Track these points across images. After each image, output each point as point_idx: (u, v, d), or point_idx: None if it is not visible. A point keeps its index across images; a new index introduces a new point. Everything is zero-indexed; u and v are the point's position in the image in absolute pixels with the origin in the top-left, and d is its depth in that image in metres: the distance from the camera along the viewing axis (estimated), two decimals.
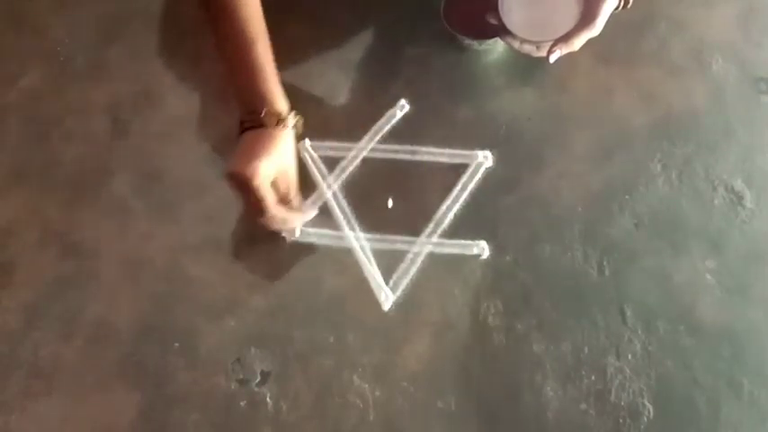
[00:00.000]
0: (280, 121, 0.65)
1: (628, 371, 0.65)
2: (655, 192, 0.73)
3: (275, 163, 0.64)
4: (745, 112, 0.77)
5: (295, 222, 0.71)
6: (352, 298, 0.70)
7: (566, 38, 0.69)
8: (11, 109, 0.85)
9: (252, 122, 0.65)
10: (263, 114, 0.64)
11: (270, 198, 0.64)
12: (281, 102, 0.66)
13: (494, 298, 0.69)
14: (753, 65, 0.80)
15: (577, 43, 0.70)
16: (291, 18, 0.87)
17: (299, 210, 0.70)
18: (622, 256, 0.70)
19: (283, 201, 0.67)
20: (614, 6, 0.70)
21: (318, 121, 0.80)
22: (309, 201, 0.74)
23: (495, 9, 0.72)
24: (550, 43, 0.70)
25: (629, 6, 0.72)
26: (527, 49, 0.73)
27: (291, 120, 0.66)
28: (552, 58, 0.70)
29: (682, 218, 0.72)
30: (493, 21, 0.73)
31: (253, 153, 0.63)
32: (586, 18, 0.69)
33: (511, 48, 0.75)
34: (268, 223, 0.67)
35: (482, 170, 0.76)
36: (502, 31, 0.73)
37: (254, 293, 0.71)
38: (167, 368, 0.68)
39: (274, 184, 0.65)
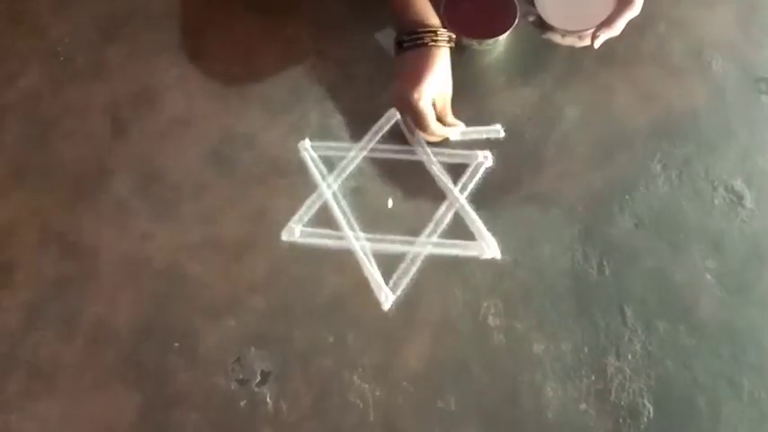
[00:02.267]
0: (435, 37, 0.70)
1: (628, 371, 0.65)
2: (655, 192, 0.73)
3: (435, 84, 0.70)
4: (745, 112, 0.77)
5: (451, 134, 0.76)
6: (352, 298, 0.70)
7: (608, 21, 0.70)
8: (11, 109, 0.84)
9: (410, 41, 0.70)
10: (419, 32, 0.70)
11: (431, 116, 0.71)
12: (434, 18, 0.73)
13: (494, 298, 0.69)
14: (753, 65, 0.80)
15: (620, 25, 0.70)
16: (291, 18, 0.87)
17: (453, 123, 0.76)
18: (622, 256, 0.70)
19: (440, 115, 0.74)
20: None
21: (318, 121, 0.80)
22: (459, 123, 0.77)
23: (531, 4, 0.73)
24: (591, 31, 0.71)
25: None
26: (569, 41, 0.74)
27: (445, 35, 0.71)
28: (597, 44, 0.71)
29: (682, 218, 0.72)
30: (531, 18, 0.74)
31: (416, 76, 0.69)
32: (625, 0, 0.69)
33: (551, 42, 0.75)
34: (427, 137, 0.75)
35: (482, 170, 0.76)
36: (542, 26, 0.74)
37: (254, 293, 0.71)
38: (167, 368, 0.68)
39: (433, 102, 0.72)
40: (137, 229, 0.76)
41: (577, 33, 0.72)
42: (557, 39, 0.74)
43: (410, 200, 0.75)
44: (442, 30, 0.71)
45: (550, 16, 0.73)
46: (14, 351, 0.70)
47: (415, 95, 0.69)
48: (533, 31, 0.76)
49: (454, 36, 0.73)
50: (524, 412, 0.64)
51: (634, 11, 0.69)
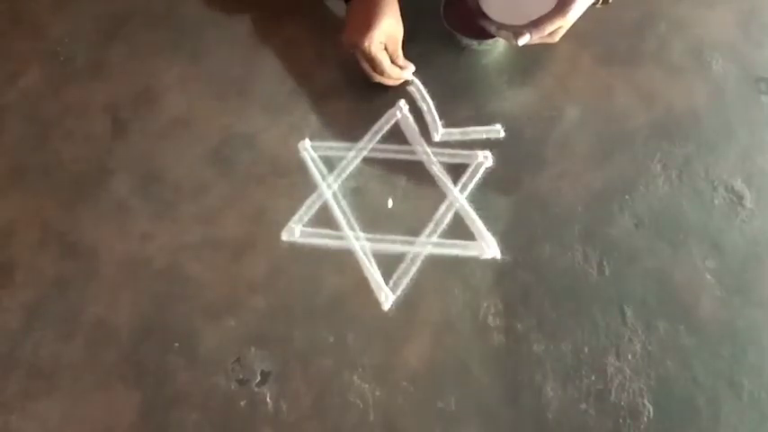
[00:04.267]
0: None
1: (628, 371, 0.65)
2: (655, 192, 0.73)
3: (384, 28, 0.74)
4: (745, 112, 0.77)
5: (405, 75, 0.80)
6: (352, 298, 0.70)
7: (536, 23, 0.70)
8: (11, 109, 0.85)
9: None
10: None
11: (385, 59, 0.76)
12: None
13: (494, 298, 0.69)
14: (753, 65, 0.80)
15: (548, 29, 0.70)
16: (291, 18, 0.87)
17: (404, 65, 0.79)
18: (622, 256, 0.70)
19: (392, 57, 0.77)
20: (591, 1, 0.70)
21: (318, 121, 0.80)
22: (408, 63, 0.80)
23: None
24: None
25: (609, 2, 0.73)
26: (504, 35, 0.74)
27: None
28: (520, 42, 0.71)
29: (682, 218, 0.72)
30: (470, 4, 0.75)
31: (365, 22, 0.73)
32: (560, 6, 0.70)
33: (489, 31, 0.76)
34: (383, 80, 0.78)
35: (482, 170, 0.76)
36: (478, 14, 0.75)
37: (254, 293, 0.71)
38: (167, 368, 0.68)
39: (385, 46, 0.76)
40: (137, 229, 0.76)
41: (511, 29, 0.72)
42: (492, 29, 0.75)
43: (410, 200, 0.75)
44: None
45: (489, 5, 0.74)
46: (14, 351, 0.70)
47: (366, 41, 0.73)
48: None
49: None
50: (524, 412, 0.64)
51: (565, 20, 0.70)
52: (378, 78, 0.78)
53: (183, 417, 0.66)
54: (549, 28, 0.70)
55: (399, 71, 0.78)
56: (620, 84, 0.80)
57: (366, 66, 0.77)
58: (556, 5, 0.70)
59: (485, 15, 0.75)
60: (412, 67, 0.80)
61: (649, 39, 0.82)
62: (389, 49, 0.77)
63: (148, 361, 0.69)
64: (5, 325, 0.72)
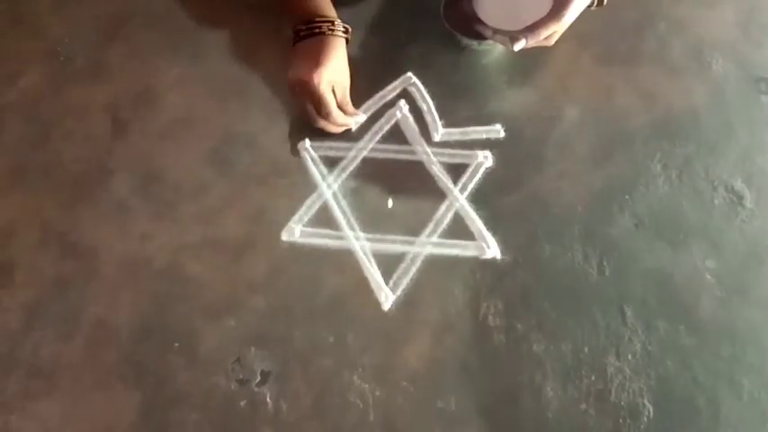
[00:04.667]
0: (332, 27, 0.71)
1: (628, 371, 0.65)
2: (655, 192, 0.73)
3: (334, 69, 0.72)
4: (745, 112, 0.78)
5: (350, 123, 0.77)
6: (352, 298, 0.70)
7: (532, 27, 0.70)
8: (11, 109, 0.85)
9: (307, 31, 0.72)
10: (317, 21, 0.71)
11: (332, 101, 0.73)
12: (331, 10, 0.75)
13: (494, 298, 0.69)
14: (753, 65, 0.80)
15: (543, 34, 0.70)
16: None
17: (354, 112, 0.77)
18: (622, 256, 0.70)
19: (341, 104, 0.75)
20: (586, 4, 0.70)
21: None
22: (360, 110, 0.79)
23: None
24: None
25: (604, 5, 0.73)
26: (500, 39, 0.74)
27: (341, 26, 0.74)
28: (516, 47, 0.71)
29: (682, 218, 0.72)
30: (466, 8, 0.75)
31: (314, 61, 0.71)
32: (555, 10, 0.70)
33: (485, 35, 0.75)
34: (328, 125, 0.76)
35: (482, 170, 0.76)
36: (474, 20, 0.75)
37: (254, 293, 0.71)
38: (167, 368, 0.68)
39: (333, 90, 0.74)
40: (137, 229, 0.76)
41: (507, 34, 0.72)
42: (487, 33, 0.75)
43: (410, 200, 0.75)
44: (339, 21, 0.73)
45: (484, 11, 0.74)
46: (14, 351, 0.70)
47: (315, 80, 0.71)
48: None
49: (350, 28, 0.75)
50: (524, 412, 0.64)
51: (560, 24, 0.69)
52: (321, 123, 0.76)
53: (183, 417, 0.66)
54: (545, 33, 0.70)
55: (345, 117, 0.76)
56: (620, 84, 0.80)
57: (310, 108, 0.74)
58: (551, 9, 0.70)
59: (480, 20, 0.75)
60: (361, 117, 0.78)
61: (649, 39, 0.82)
62: (337, 94, 0.75)
63: (148, 361, 0.69)
64: (5, 325, 0.72)
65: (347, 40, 0.76)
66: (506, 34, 0.72)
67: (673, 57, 0.81)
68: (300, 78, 0.71)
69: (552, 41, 0.72)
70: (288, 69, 0.74)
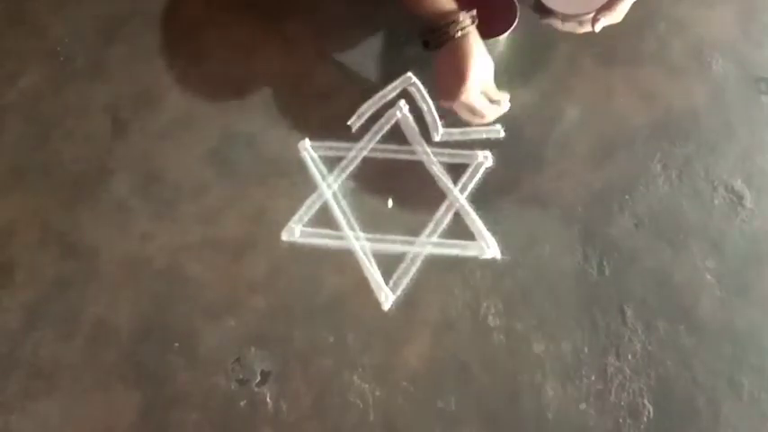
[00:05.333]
0: (459, 26, 0.68)
1: (628, 371, 0.65)
2: (655, 192, 0.73)
3: (476, 73, 0.69)
4: (745, 112, 0.77)
5: (504, 109, 0.75)
6: (352, 298, 0.70)
7: (609, 5, 0.69)
8: (11, 109, 0.84)
9: (436, 39, 0.69)
10: (443, 26, 0.68)
11: (484, 105, 0.72)
12: (449, 3, 0.70)
13: (494, 298, 0.69)
14: (753, 65, 0.80)
15: (621, 9, 0.69)
16: (291, 18, 0.87)
17: (499, 97, 0.74)
18: (622, 256, 0.70)
19: (487, 95, 0.73)
20: None
21: (318, 121, 0.80)
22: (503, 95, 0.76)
23: None
24: (590, 16, 0.70)
25: None
26: (569, 27, 0.73)
27: (467, 18, 0.69)
28: (598, 27, 0.70)
29: (682, 218, 0.72)
30: (531, 3, 0.73)
31: (458, 74, 0.68)
32: None
33: (553, 27, 0.74)
34: (483, 121, 0.74)
35: (482, 170, 0.76)
36: (541, 11, 0.73)
37: (254, 293, 0.71)
38: (167, 368, 0.68)
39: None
40: (137, 229, 0.76)
41: (577, 18, 0.72)
42: (557, 24, 0.74)
43: (410, 200, 0.75)
44: (462, 13, 0.69)
45: (550, 0, 0.72)
46: (14, 351, 0.70)
47: (463, 96, 0.69)
48: (535, 33, 0.76)
49: (474, 13, 0.70)
50: (524, 412, 0.64)
51: None
52: (478, 121, 0.74)
53: (183, 417, 0.66)
54: (624, 8, 0.69)
55: (498, 109, 0.74)
56: (621, 84, 0.80)
57: (466, 114, 0.73)
58: None
59: (548, 10, 0.73)
60: (507, 96, 0.75)
61: (649, 39, 0.82)
62: (484, 89, 0.72)
63: (148, 361, 0.69)
64: (5, 325, 0.72)
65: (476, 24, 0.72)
66: (576, 19, 0.72)
67: (673, 57, 0.81)
68: (450, 96, 0.70)
69: (622, 16, 0.71)
70: (437, 79, 0.73)
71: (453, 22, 0.67)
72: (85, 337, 0.70)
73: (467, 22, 0.68)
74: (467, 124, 0.77)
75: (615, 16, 0.70)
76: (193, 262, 0.73)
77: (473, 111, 0.71)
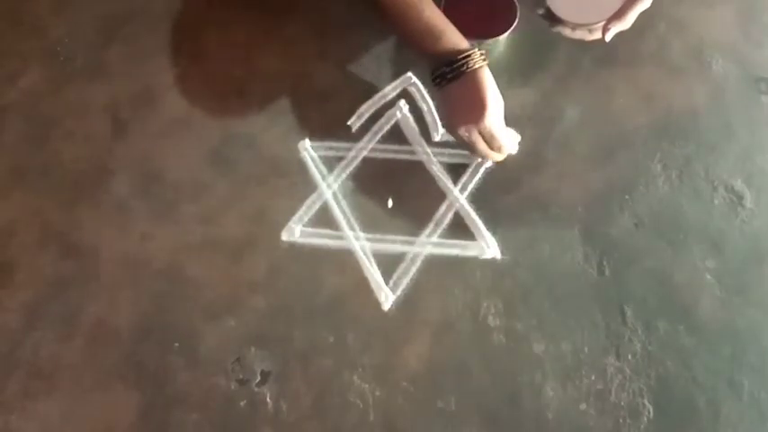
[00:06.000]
0: (473, 60, 0.68)
1: (628, 371, 0.65)
2: (655, 192, 0.73)
3: (493, 105, 0.69)
4: (745, 112, 0.78)
5: (515, 146, 0.75)
6: (352, 298, 0.70)
7: (619, 14, 0.69)
8: (11, 109, 0.84)
9: (453, 72, 0.69)
10: (459, 60, 0.68)
11: (504, 132, 0.71)
12: (462, 42, 0.70)
13: (494, 298, 0.69)
14: (753, 65, 0.80)
15: (631, 17, 0.69)
16: (291, 18, 0.87)
17: (508, 131, 0.73)
18: (622, 256, 0.70)
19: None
20: None
21: (318, 121, 0.80)
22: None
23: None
24: (601, 24, 0.70)
25: None
26: (579, 34, 0.73)
27: (479, 54, 0.69)
28: (608, 37, 0.70)
29: (682, 218, 0.72)
30: (540, 12, 0.73)
31: (475, 106, 0.68)
32: None
33: (562, 35, 0.74)
34: (498, 156, 0.73)
35: (482, 170, 0.76)
36: (552, 19, 0.73)
37: (254, 293, 0.71)
38: (167, 368, 0.68)
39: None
40: (137, 229, 0.76)
41: (587, 26, 0.72)
42: (566, 32, 0.73)
43: (410, 200, 0.75)
44: (473, 48, 0.69)
45: (560, 9, 0.72)
46: (14, 351, 0.70)
47: (486, 126, 0.68)
48: (535, 33, 0.76)
49: (485, 52, 0.71)
50: (524, 412, 0.64)
51: (645, 3, 0.68)
52: (495, 156, 0.73)
53: (183, 417, 0.66)
54: (633, 16, 0.69)
55: (514, 142, 0.74)
56: (621, 84, 0.80)
57: (482, 145, 0.71)
58: None
59: (558, 19, 0.73)
60: (518, 137, 0.76)
61: (649, 39, 0.82)
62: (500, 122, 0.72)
63: (148, 361, 0.69)
64: (5, 325, 0.72)
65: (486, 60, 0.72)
66: (587, 27, 0.72)
67: (673, 57, 0.81)
68: (470, 119, 0.69)
69: (631, 23, 0.71)
70: (446, 113, 0.73)
71: (470, 56, 0.68)
72: (85, 337, 0.70)
73: (479, 58, 0.69)
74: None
75: (624, 24, 0.70)
76: (193, 262, 0.73)
77: (492, 138, 0.70)
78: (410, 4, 0.70)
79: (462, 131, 0.70)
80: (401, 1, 0.70)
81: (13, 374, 0.69)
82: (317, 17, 0.87)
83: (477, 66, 0.68)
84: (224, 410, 0.66)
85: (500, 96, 0.70)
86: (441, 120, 0.76)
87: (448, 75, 0.69)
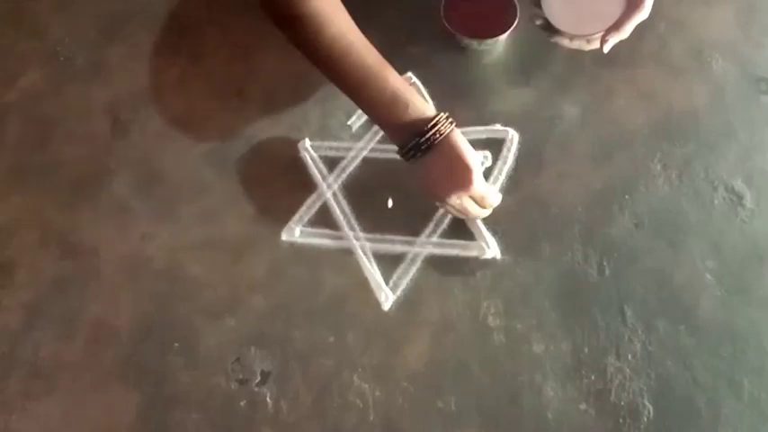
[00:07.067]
0: (444, 125, 0.64)
1: (628, 371, 0.65)
2: (655, 192, 0.73)
3: (477, 171, 0.65)
4: (745, 112, 0.77)
5: (498, 199, 0.70)
6: (352, 298, 0.70)
7: (617, 25, 0.68)
8: (11, 109, 0.85)
9: (426, 142, 0.63)
10: (430, 128, 0.63)
11: (492, 189, 0.68)
12: (429, 109, 0.65)
13: (494, 298, 0.69)
14: (753, 65, 0.80)
15: (629, 29, 0.69)
16: None
17: (492, 188, 0.70)
18: (622, 256, 0.70)
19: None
20: None
21: (318, 121, 0.80)
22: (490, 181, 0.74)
23: (538, 7, 0.71)
24: (600, 34, 0.69)
25: None
26: (577, 44, 0.72)
27: (444, 117, 0.64)
28: (606, 48, 0.69)
29: (682, 218, 0.72)
30: (538, 22, 0.73)
31: (463, 167, 0.64)
32: (634, 1, 0.68)
33: (560, 45, 0.74)
34: (484, 213, 0.70)
35: (482, 170, 0.76)
36: (550, 30, 0.72)
37: (254, 293, 0.71)
38: (167, 368, 0.68)
39: None
40: (137, 229, 0.76)
41: (585, 37, 0.72)
42: (564, 42, 0.73)
43: (410, 200, 0.75)
44: (440, 114, 0.65)
45: (558, 20, 0.71)
46: (14, 351, 0.70)
47: (474, 188, 0.65)
48: (535, 32, 0.76)
49: (448, 113, 0.66)
50: (524, 412, 0.64)
51: (643, 14, 0.68)
52: (484, 213, 0.70)
53: (183, 417, 0.66)
54: (631, 27, 0.68)
55: (496, 197, 0.70)
56: (620, 84, 0.80)
57: (474, 209, 0.68)
58: (629, 4, 0.68)
59: (556, 30, 0.72)
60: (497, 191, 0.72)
61: (649, 39, 0.82)
62: None
63: (148, 361, 0.69)
64: (5, 325, 0.72)
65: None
66: (585, 38, 0.71)
67: (673, 57, 0.81)
68: (458, 186, 0.65)
69: (628, 34, 0.70)
70: (427, 185, 0.67)
71: (438, 121, 0.64)
72: (85, 337, 0.70)
73: (449, 122, 0.65)
74: (466, 124, 0.77)
75: (622, 35, 0.69)
76: (193, 262, 0.73)
77: (482, 198, 0.67)
78: (376, 73, 0.65)
79: (454, 200, 0.66)
80: (367, 70, 0.65)
81: (13, 374, 0.69)
82: None
83: (448, 130, 0.64)
84: (224, 410, 0.66)
85: (475, 154, 0.66)
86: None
87: (422, 146, 0.64)
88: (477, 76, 0.83)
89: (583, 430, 0.63)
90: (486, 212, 0.70)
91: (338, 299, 0.70)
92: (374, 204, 0.75)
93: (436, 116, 0.64)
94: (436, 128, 0.63)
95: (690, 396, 0.63)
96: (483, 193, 0.67)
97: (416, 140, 0.64)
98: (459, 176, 0.65)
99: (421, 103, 0.65)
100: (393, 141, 0.67)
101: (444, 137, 0.64)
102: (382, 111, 0.65)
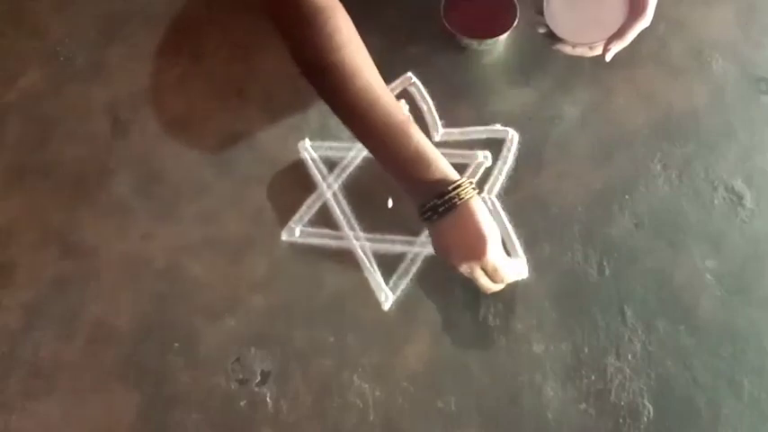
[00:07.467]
0: (464, 190, 0.62)
1: (628, 371, 0.65)
2: (655, 192, 0.73)
3: (493, 236, 0.63)
4: (745, 112, 0.77)
5: (522, 272, 0.69)
6: (352, 298, 0.70)
7: (619, 33, 0.68)
8: (11, 109, 0.85)
9: (444, 204, 0.62)
10: (450, 191, 0.62)
11: (508, 262, 0.65)
12: (453, 173, 0.64)
13: (494, 298, 0.69)
14: (753, 65, 0.80)
15: (631, 36, 0.68)
16: None
17: (511, 264, 0.67)
18: (622, 256, 0.70)
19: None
20: None
21: (318, 121, 0.80)
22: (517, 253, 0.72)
23: (540, 15, 0.70)
24: (602, 42, 0.69)
25: None
26: (579, 51, 0.72)
27: (467, 183, 0.63)
28: (609, 57, 0.69)
29: (682, 218, 0.72)
30: (541, 30, 0.72)
31: (479, 235, 0.62)
32: (636, 9, 0.67)
33: (563, 51, 0.73)
34: (498, 287, 0.67)
35: (482, 170, 0.76)
36: (552, 38, 0.71)
37: (254, 293, 0.71)
38: (167, 368, 0.68)
39: None
40: (137, 229, 0.76)
41: (587, 45, 0.71)
42: (567, 50, 0.72)
43: (410, 200, 0.75)
44: (464, 180, 0.63)
45: (560, 28, 0.70)
46: (14, 351, 0.70)
47: (490, 253, 0.62)
48: (535, 33, 0.76)
49: (473, 180, 0.66)
50: (524, 412, 0.64)
51: (645, 21, 0.67)
52: (496, 288, 0.67)
53: (183, 417, 0.66)
54: (633, 35, 0.68)
55: (519, 268, 0.69)
56: (620, 84, 0.80)
57: (485, 281, 0.65)
58: (631, 11, 0.67)
59: (557, 38, 0.71)
60: (522, 261, 0.71)
61: (649, 39, 0.82)
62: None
63: (148, 361, 0.69)
64: (5, 325, 0.72)
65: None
66: (587, 45, 0.71)
67: (672, 57, 0.81)
68: (472, 254, 0.63)
69: (630, 41, 0.69)
70: (443, 249, 0.65)
71: (461, 185, 0.62)
72: (85, 337, 0.70)
73: (471, 187, 0.63)
74: (466, 124, 0.77)
75: (625, 43, 0.69)
76: (193, 262, 0.73)
77: (495, 272, 0.64)
78: (401, 128, 0.63)
79: (464, 269, 0.64)
80: (392, 124, 0.63)
81: (13, 374, 0.69)
82: None
83: (468, 196, 0.62)
84: (224, 410, 0.66)
85: (495, 225, 0.64)
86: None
87: (440, 208, 0.62)
88: (477, 75, 0.83)
89: (583, 430, 0.63)
90: (498, 287, 0.67)
91: (338, 299, 0.70)
92: (374, 204, 0.75)
93: (458, 180, 0.63)
94: (457, 191, 0.61)
95: (690, 396, 0.63)
96: (496, 267, 0.63)
97: (434, 202, 0.62)
98: (472, 245, 0.62)
99: (445, 164, 0.63)
100: (411, 200, 0.65)
101: (464, 202, 0.62)
102: (405, 167, 0.63)
